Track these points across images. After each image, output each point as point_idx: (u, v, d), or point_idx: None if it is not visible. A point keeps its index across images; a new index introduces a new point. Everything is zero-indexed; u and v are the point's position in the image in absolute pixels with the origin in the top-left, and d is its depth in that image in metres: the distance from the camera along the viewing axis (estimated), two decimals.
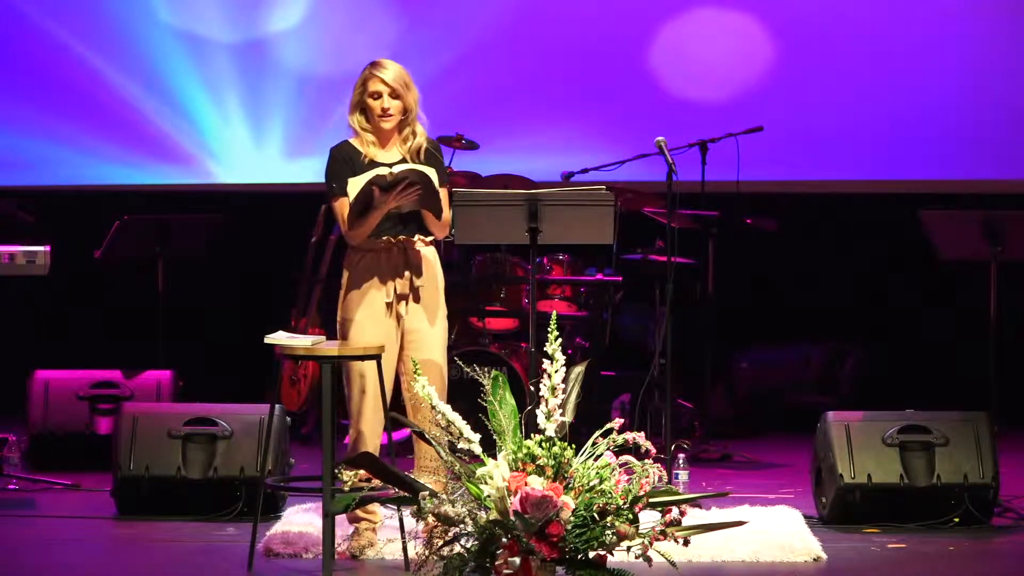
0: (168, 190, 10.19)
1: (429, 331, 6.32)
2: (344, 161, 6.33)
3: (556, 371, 5.36)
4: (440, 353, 6.36)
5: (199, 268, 9.30)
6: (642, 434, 5.33)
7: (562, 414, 5.36)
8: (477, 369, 5.41)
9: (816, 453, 7.01)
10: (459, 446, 5.34)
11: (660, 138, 7.31)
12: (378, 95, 6.29)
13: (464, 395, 5.77)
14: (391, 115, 6.30)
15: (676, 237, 7.44)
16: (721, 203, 8.70)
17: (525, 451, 5.25)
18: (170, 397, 8.28)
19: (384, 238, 6.27)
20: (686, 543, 5.30)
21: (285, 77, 10.17)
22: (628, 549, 5.25)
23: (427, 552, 5.33)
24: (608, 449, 5.31)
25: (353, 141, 6.39)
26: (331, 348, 5.99)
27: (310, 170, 10.19)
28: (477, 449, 5.32)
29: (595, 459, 5.29)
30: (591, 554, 5.23)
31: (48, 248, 7.20)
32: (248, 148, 10.24)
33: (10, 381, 8.82)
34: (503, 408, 5.36)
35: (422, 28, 10.01)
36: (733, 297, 9.41)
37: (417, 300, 6.31)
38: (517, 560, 5.15)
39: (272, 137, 10.23)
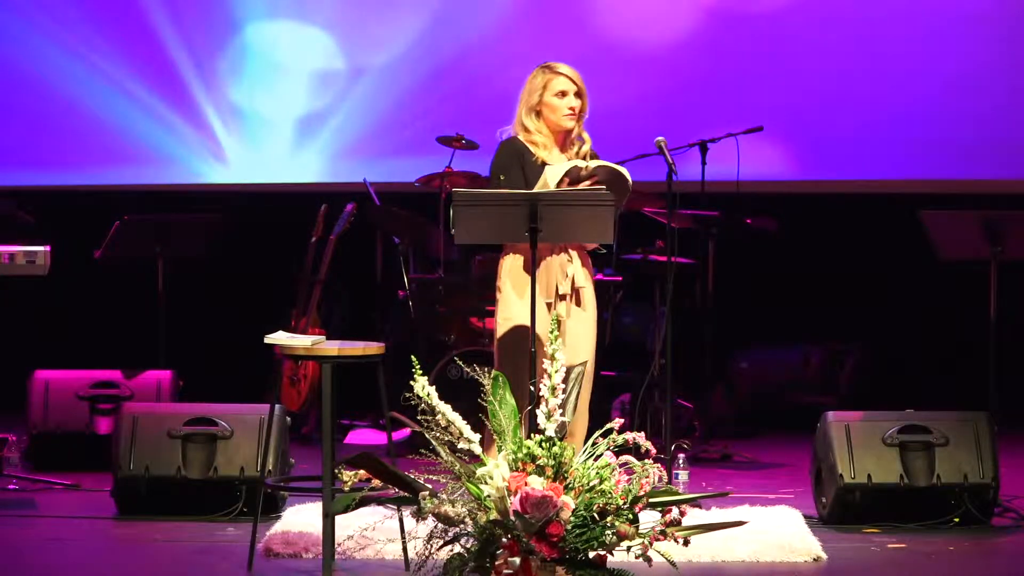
0: (168, 190, 10.19)
1: (583, 333, 6.38)
2: (515, 154, 6.35)
3: (556, 371, 5.36)
4: (587, 353, 6.38)
5: (199, 268, 9.29)
6: (642, 434, 5.32)
7: (562, 414, 5.36)
8: (477, 369, 5.41)
9: (816, 453, 7.01)
10: (459, 446, 5.34)
11: (660, 138, 7.29)
12: (564, 94, 6.35)
13: (464, 395, 5.77)
14: (575, 115, 6.36)
15: (676, 237, 7.43)
16: (721, 203, 8.69)
17: (525, 451, 5.25)
18: (170, 397, 8.27)
19: None
20: (686, 543, 5.30)
21: (289, 74, 10.18)
22: (628, 549, 5.25)
23: (427, 552, 5.33)
24: (608, 449, 5.31)
25: (523, 138, 6.39)
26: (331, 348, 5.98)
27: (310, 170, 10.20)
28: (477, 449, 5.31)
29: (595, 459, 5.29)
30: (591, 554, 5.22)
31: (48, 248, 7.19)
32: (252, 147, 10.23)
33: (10, 381, 8.81)
34: (503, 408, 5.36)
35: (421, 26, 10.00)
36: (733, 297, 9.41)
37: (578, 302, 6.37)
38: (517, 560, 5.15)
39: (276, 135, 10.23)
